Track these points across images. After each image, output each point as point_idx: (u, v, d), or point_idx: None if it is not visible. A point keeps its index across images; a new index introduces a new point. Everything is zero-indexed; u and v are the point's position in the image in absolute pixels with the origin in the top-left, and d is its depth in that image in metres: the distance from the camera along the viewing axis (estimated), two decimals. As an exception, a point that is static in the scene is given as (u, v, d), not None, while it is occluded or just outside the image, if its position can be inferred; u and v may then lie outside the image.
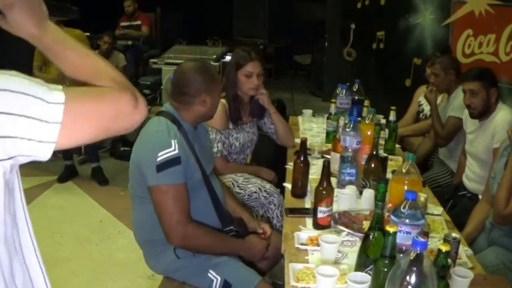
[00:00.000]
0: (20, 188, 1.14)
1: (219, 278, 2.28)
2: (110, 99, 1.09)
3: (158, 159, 2.17)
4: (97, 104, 1.07)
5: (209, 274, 2.30)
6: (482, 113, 3.20)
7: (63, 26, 4.85)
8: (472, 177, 3.30)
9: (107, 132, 1.11)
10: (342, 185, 2.62)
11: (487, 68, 3.41)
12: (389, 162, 2.99)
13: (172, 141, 2.20)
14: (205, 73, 2.36)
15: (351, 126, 2.66)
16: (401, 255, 1.49)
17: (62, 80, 4.84)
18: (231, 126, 3.18)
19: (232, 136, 3.17)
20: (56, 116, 1.00)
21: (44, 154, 1.02)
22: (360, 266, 1.76)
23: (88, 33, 5.96)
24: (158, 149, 2.19)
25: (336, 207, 2.38)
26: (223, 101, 3.05)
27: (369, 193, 2.45)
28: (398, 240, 1.62)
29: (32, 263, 1.22)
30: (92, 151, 5.35)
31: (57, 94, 1.02)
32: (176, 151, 2.19)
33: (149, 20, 7.70)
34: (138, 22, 7.54)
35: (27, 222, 1.20)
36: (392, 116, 3.43)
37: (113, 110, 1.09)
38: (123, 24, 7.59)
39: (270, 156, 4.06)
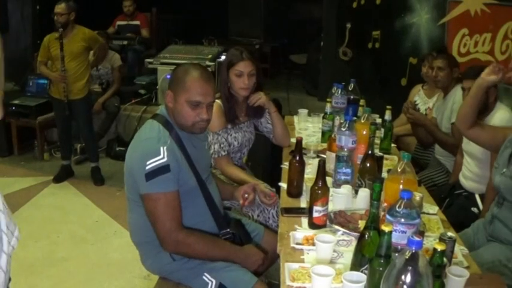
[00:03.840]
0: None
1: (214, 281, 2.28)
2: None
3: (147, 168, 2.16)
4: None
5: (204, 277, 2.30)
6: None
7: (74, 23, 4.88)
8: (469, 176, 3.30)
9: None
10: (337, 184, 2.62)
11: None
12: (384, 162, 2.99)
13: (162, 148, 2.18)
14: (179, 71, 2.33)
15: (347, 125, 2.66)
16: (396, 254, 1.49)
17: (62, 78, 4.87)
18: (229, 126, 3.17)
19: (231, 135, 3.16)
20: None
21: None
22: (355, 266, 1.76)
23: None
24: (147, 157, 2.17)
25: (332, 206, 2.38)
26: (218, 101, 3.04)
27: (364, 192, 2.44)
28: (393, 240, 1.62)
29: None
30: (93, 150, 5.36)
31: None
32: (165, 159, 2.17)
33: (147, 20, 7.71)
34: (137, 22, 7.54)
35: None
36: (387, 116, 3.43)
37: None
38: (120, 23, 7.58)
39: (266, 156, 4.07)
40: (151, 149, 2.19)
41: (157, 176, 2.16)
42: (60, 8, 4.76)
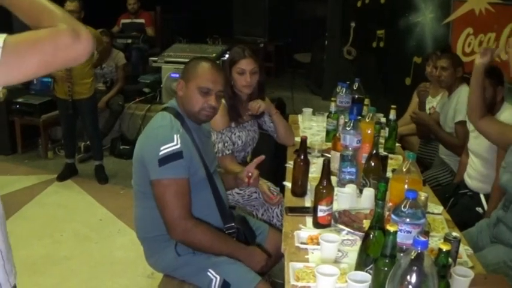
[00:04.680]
0: None
1: (218, 278, 2.28)
2: (46, 35, 1.16)
3: (160, 153, 2.19)
4: (34, 41, 1.15)
5: (208, 273, 2.30)
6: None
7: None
8: (474, 176, 3.28)
9: (49, 66, 1.18)
10: (342, 183, 2.62)
11: (495, 66, 3.40)
12: (389, 161, 2.99)
13: (175, 135, 2.23)
14: (190, 62, 2.42)
15: (351, 124, 2.66)
16: (401, 254, 1.49)
17: (67, 77, 4.86)
18: (233, 124, 3.17)
19: (235, 134, 3.16)
20: None
21: None
22: (360, 265, 1.75)
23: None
24: (161, 143, 2.21)
25: (336, 206, 2.37)
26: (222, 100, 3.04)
27: (369, 192, 2.44)
28: (398, 240, 1.61)
29: None
30: (98, 149, 5.37)
31: None
32: (178, 145, 2.21)
33: (151, 18, 7.71)
34: (141, 20, 7.53)
35: None
36: (392, 115, 3.42)
37: (51, 45, 1.15)
38: (124, 21, 7.57)
39: (270, 155, 4.06)
40: (165, 135, 2.24)
41: (170, 162, 2.20)
42: (73, 5, 4.74)
